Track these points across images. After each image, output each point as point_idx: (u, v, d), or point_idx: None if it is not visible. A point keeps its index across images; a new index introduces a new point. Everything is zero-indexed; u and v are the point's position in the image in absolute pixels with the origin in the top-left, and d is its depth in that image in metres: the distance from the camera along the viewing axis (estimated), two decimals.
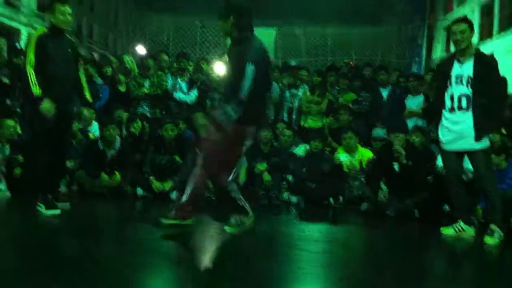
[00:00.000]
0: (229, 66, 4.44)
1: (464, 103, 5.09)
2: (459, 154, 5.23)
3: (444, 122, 5.27)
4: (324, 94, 8.68)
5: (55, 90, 5.19)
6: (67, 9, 5.34)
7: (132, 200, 6.93)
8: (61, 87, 5.26)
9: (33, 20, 18.12)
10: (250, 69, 4.10)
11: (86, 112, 6.73)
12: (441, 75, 5.41)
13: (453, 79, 5.17)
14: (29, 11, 17.77)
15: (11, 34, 16.41)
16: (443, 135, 5.28)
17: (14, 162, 6.69)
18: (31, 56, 5.11)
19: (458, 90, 5.13)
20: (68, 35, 5.59)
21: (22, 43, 12.98)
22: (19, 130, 7.22)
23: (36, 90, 5.07)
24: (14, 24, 16.96)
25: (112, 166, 7.07)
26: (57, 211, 5.18)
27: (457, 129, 5.14)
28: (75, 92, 5.58)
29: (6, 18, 16.53)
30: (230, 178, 4.43)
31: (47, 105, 5.05)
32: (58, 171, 5.71)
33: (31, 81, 5.07)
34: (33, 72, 5.08)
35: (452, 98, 5.17)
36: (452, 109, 5.18)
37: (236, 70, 4.20)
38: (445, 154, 5.35)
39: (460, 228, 5.18)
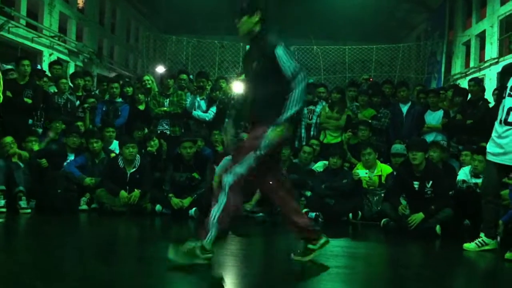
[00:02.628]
0: (253, 76, 4.09)
1: (511, 117, 4.94)
2: (501, 168, 5.08)
3: (493, 133, 5.12)
4: (343, 110, 8.67)
5: None
6: None
7: (151, 218, 6.96)
8: None
9: (54, 42, 18.43)
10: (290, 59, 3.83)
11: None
12: (502, 83, 5.28)
13: (508, 90, 5.00)
14: (51, 33, 18.08)
15: (33, 56, 16.73)
16: (490, 146, 5.15)
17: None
18: None
19: (509, 102, 4.98)
20: None
21: (44, 65, 13.23)
22: (36, 147, 7.37)
23: None
24: (36, 46, 17.26)
25: (132, 184, 7.12)
26: None
27: (502, 143, 5.01)
28: None
29: (29, 41, 16.84)
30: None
31: None
32: None
33: None
34: None
35: (503, 110, 5.06)
36: (501, 122, 5.06)
37: (265, 75, 3.94)
38: (488, 165, 5.23)
39: (482, 242, 5.09)
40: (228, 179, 3.79)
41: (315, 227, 4.24)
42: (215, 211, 3.80)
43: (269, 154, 3.89)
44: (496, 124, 5.12)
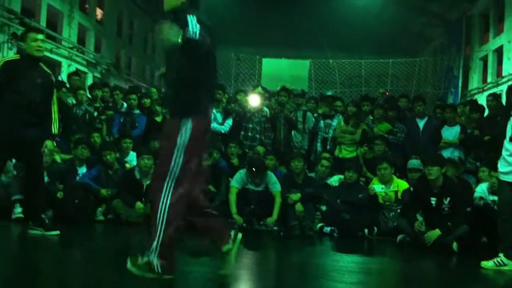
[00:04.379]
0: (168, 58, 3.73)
1: None
2: None
3: (503, 151, 5.12)
4: (358, 124, 8.65)
5: (13, 116, 5.29)
6: (40, 36, 5.46)
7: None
8: (21, 114, 5.30)
9: (73, 53, 18.65)
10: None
11: (50, 144, 5.73)
12: (508, 101, 5.26)
13: None
14: (69, 45, 18.30)
15: (52, 67, 16.93)
16: (501, 165, 5.14)
17: (54, 188, 6.86)
18: None
19: None
20: (43, 66, 5.67)
21: (63, 76, 13.38)
22: (58, 159, 7.42)
23: None
24: (55, 57, 17.47)
25: (148, 195, 7.15)
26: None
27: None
28: (41, 122, 5.52)
29: (48, 51, 17.06)
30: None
31: None
32: (35, 197, 5.70)
33: None
34: None
35: (511, 128, 5.03)
36: (510, 139, 5.04)
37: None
38: (501, 185, 5.20)
39: (501, 262, 5.04)
40: (162, 200, 3.50)
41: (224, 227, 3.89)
42: (156, 239, 3.53)
43: (194, 149, 3.56)
44: (505, 142, 5.10)
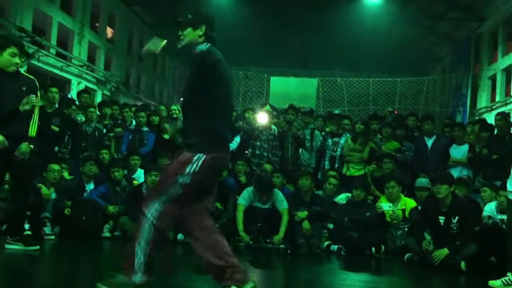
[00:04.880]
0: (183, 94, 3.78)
1: None
2: None
3: None
4: (366, 142, 8.65)
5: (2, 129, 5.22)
6: (14, 50, 5.29)
7: (173, 246, 6.97)
8: (7, 126, 5.23)
9: (83, 71, 18.84)
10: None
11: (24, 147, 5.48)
12: None
13: None
14: (80, 63, 18.49)
15: (62, 85, 17.10)
16: (510, 185, 5.12)
17: (62, 205, 6.90)
18: None
19: None
20: (26, 73, 5.68)
21: (73, 94, 13.49)
22: (67, 175, 7.46)
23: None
24: (65, 75, 17.65)
25: None
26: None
27: None
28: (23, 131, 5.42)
29: (58, 69, 17.25)
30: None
31: None
32: (19, 212, 5.64)
33: None
34: None
35: None
36: None
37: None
38: (509, 204, 5.18)
39: (509, 281, 4.99)
40: (149, 215, 3.51)
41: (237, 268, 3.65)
42: (139, 253, 3.49)
43: (199, 183, 3.58)
44: None
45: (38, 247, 5.57)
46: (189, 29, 3.71)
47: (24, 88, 5.41)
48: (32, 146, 5.46)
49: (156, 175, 7.19)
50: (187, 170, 3.49)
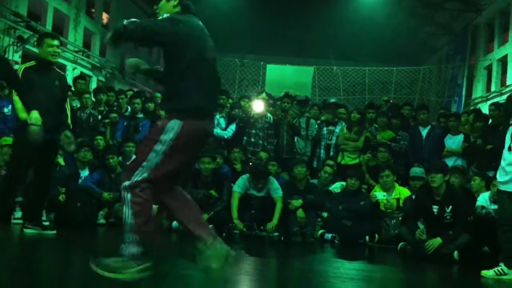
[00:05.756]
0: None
1: None
2: None
3: (502, 161, 5.12)
4: (361, 131, 8.66)
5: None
6: (55, 42, 5.73)
7: (167, 233, 6.99)
8: (44, 118, 5.36)
9: (78, 57, 18.73)
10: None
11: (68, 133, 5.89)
12: (508, 111, 5.26)
13: None
14: (75, 48, 18.39)
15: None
16: (499, 175, 5.14)
17: (57, 191, 6.90)
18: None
19: None
20: (57, 68, 5.96)
21: (68, 79, 13.41)
22: (62, 161, 7.44)
23: (22, 115, 5.41)
24: (60, 60, 17.56)
25: None
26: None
27: (510, 170, 5.01)
28: (60, 122, 5.73)
29: None
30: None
31: (34, 128, 5.21)
32: (41, 199, 5.91)
33: (18, 108, 5.45)
34: (18, 100, 5.40)
35: (510, 137, 5.04)
36: (509, 149, 5.05)
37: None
38: (500, 194, 5.21)
39: (501, 271, 5.02)
40: (127, 191, 3.41)
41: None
42: (127, 232, 3.41)
43: (179, 151, 3.47)
44: (504, 152, 5.10)
45: (55, 231, 5.84)
46: (163, 1, 3.72)
47: (56, 83, 5.73)
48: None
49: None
50: (164, 137, 3.42)
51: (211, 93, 3.67)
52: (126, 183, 3.41)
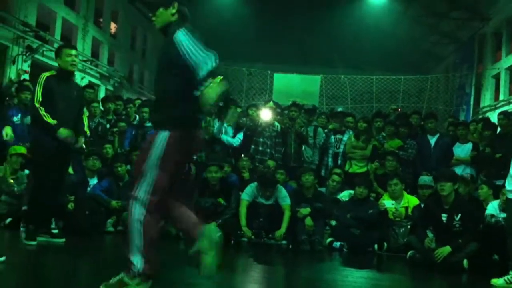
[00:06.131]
0: (156, 71, 3.69)
1: None
2: None
3: (510, 170, 5.10)
4: (369, 140, 8.65)
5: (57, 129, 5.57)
6: (73, 52, 5.83)
7: (175, 241, 6.98)
8: (62, 125, 5.58)
9: (87, 66, 18.86)
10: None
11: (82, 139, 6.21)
12: None
13: None
14: (83, 58, 18.52)
15: None
16: (508, 184, 5.12)
17: (65, 199, 6.92)
18: (39, 94, 5.54)
19: None
20: (74, 80, 6.18)
21: None
22: (70, 170, 7.46)
23: (50, 120, 5.54)
24: None
25: None
26: (34, 243, 5.50)
27: None
28: (76, 131, 5.84)
29: None
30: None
31: (63, 131, 5.51)
32: (49, 207, 5.91)
33: (43, 115, 5.53)
34: (42, 107, 5.53)
35: None
36: None
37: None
38: (508, 203, 5.19)
39: (511, 279, 4.99)
40: (136, 210, 3.41)
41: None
42: (135, 252, 3.41)
43: (171, 162, 3.45)
44: None
45: (64, 239, 5.89)
46: (161, 9, 3.64)
47: (75, 93, 5.90)
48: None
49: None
50: (152, 151, 3.40)
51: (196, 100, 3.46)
52: (135, 193, 3.42)
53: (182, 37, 3.31)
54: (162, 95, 3.58)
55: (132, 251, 3.41)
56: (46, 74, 5.75)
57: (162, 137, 3.41)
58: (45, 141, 5.59)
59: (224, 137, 8.73)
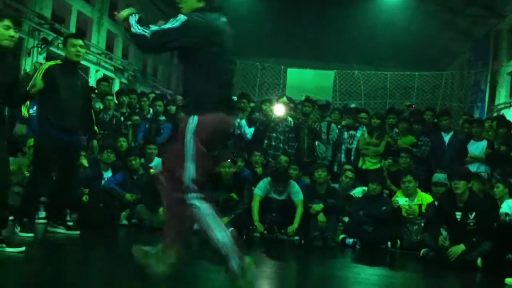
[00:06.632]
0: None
1: None
2: None
3: None
4: (382, 136, 8.62)
5: (60, 120, 5.55)
6: (79, 42, 5.77)
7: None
8: (66, 118, 5.56)
9: (101, 59, 18.92)
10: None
11: (96, 143, 6.48)
12: None
13: None
14: (98, 51, 18.59)
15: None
16: None
17: (80, 192, 6.98)
18: (35, 80, 5.34)
19: None
20: (80, 71, 6.00)
21: (91, 81, 13.58)
22: (85, 163, 7.52)
23: (23, 110, 5.69)
24: (83, 62, 17.73)
25: None
26: (31, 235, 5.46)
27: None
28: (82, 125, 5.88)
29: None
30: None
31: (19, 128, 5.67)
32: (64, 199, 6.00)
33: (25, 103, 5.59)
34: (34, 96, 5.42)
35: None
36: None
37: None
38: None
39: None
40: (193, 201, 3.49)
41: None
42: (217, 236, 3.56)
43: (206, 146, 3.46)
44: None
45: (79, 232, 5.94)
46: None
47: (79, 84, 5.81)
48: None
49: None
50: (187, 134, 3.41)
51: (226, 85, 3.60)
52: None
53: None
54: (189, 81, 3.57)
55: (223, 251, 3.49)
56: (50, 63, 5.74)
57: (191, 120, 3.43)
58: (49, 133, 5.56)
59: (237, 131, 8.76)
